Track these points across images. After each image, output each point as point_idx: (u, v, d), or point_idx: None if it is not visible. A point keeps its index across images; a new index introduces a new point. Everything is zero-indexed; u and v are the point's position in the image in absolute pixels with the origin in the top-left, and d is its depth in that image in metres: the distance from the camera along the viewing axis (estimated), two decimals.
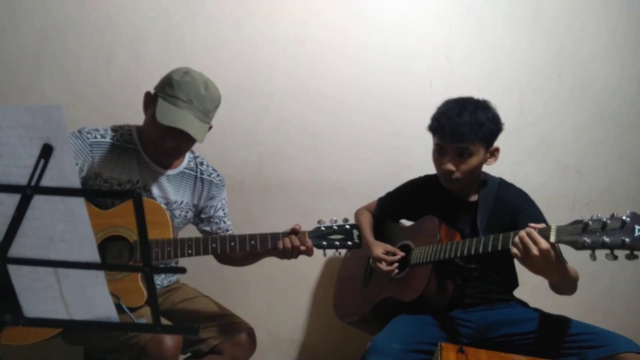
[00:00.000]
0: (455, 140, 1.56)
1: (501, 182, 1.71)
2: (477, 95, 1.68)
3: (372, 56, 2.22)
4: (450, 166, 1.58)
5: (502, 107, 1.67)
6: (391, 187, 1.95)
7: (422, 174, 1.88)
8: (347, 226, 1.58)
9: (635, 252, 1.17)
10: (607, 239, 1.18)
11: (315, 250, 1.55)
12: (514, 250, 1.30)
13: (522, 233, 1.29)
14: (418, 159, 2.13)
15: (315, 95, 2.22)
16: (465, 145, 1.56)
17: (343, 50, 2.21)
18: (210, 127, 1.58)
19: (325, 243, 1.56)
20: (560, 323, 1.49)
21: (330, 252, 1.59)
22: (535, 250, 1.25)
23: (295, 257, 1.53)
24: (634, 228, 1.17)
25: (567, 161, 2.36)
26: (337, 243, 1.57)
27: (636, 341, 1.37)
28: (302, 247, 1.51)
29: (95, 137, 1.52)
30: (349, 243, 1.57)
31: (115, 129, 1.58)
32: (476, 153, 1.58)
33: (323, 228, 1.57)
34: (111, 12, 2.09)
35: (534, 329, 1.52)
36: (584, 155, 2.36)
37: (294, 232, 1.53)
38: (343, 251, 1.60)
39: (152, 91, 1.53)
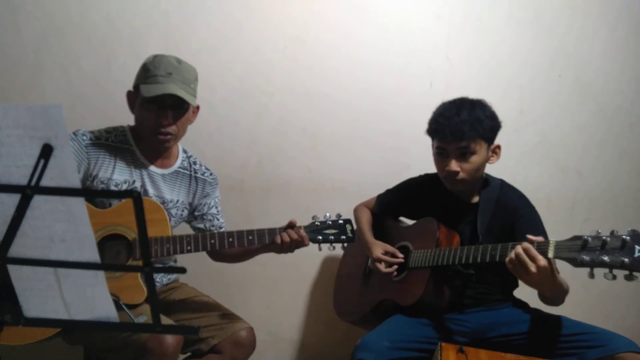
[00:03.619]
0: (456, 140, 1.54)
1: (503, 184, 1.69)
2: (477, 95, 1.68)
3: (372, 56, 2.22)
4: (455, 166, 1.56)
5: (502, 107, 1.67)
6: (391, 187, 1.94)
7: (422, 173, 1.88)
8: (340, 221, 1.64)
9: (635, 274, 1.14)
10: (606, 258, 1.16)
11: (311, 245, 1.61)
12: (510, 265, 1.29)
13: (519, 249, 1.27)
14: (418, 159, 2.12)
15: (315, 95, 2.22)
16: (466, 144, 1.54)
17: (343, 50, 2.21)
18: (198, 107, 1.64)
19: (320, 237, 1.62)
20: (559, 323, 1.49)
21: (325, 248, 1.65)
22: (533, 268, 1.24)
23: (292, 250, 1.59)
24: (634, 248, 1.14)
25: (567, 161, 2.36)
26: (332, 237, 1.62)
27: (636, 341, 1.37)
28: (299, 239, 1.57)
29: (91, 139, 1.55)
30: (343, 237, 1.63)
31: (109, 131, 1.61)
32: (478, 151, 1.56)
33: (318, 223, 1.63)
34: (111, 12, 2.09)
35: (532, 329, 1.52)
36: (584, 155, 2.36)
37: (291, 226, 1.58)
38: (338, 246, 1.65)
39: (132, 88, 1.59)
